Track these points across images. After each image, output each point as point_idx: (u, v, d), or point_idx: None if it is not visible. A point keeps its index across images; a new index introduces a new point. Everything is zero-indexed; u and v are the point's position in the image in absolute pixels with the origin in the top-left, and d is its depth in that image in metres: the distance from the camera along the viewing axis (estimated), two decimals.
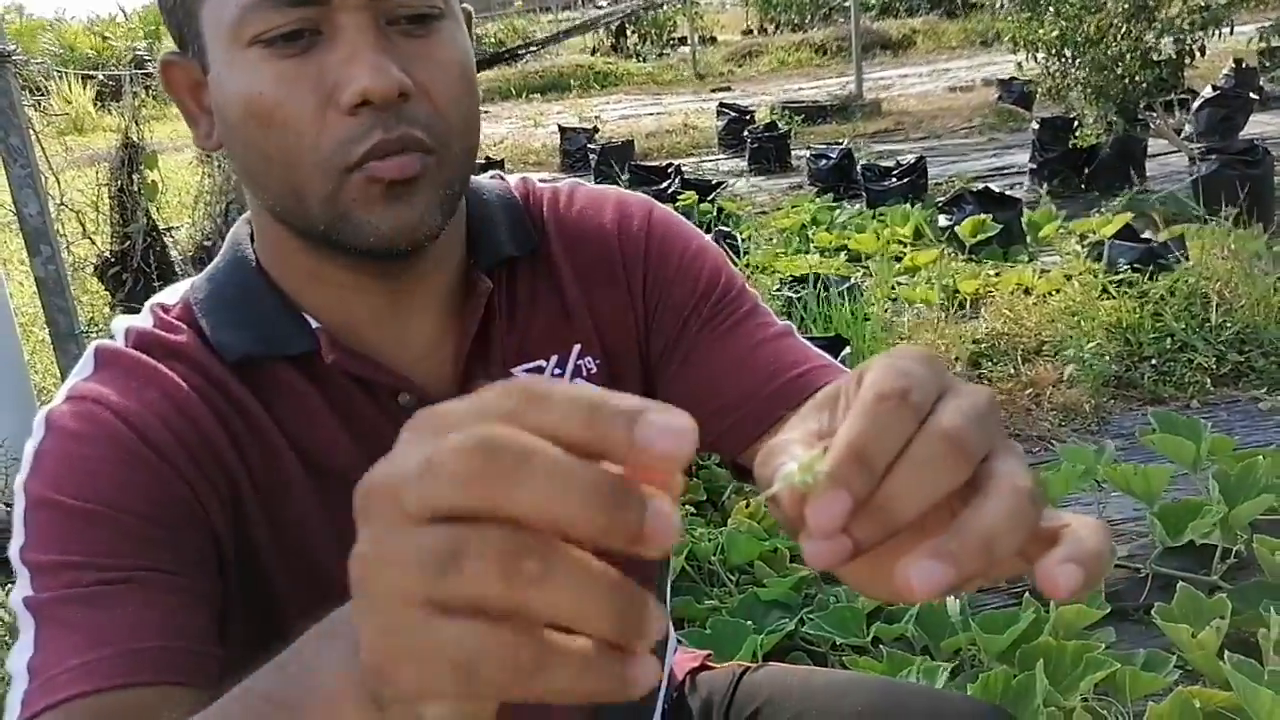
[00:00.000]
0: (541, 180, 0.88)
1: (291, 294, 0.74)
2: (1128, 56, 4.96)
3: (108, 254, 3.85)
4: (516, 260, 0.81)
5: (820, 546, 0.36)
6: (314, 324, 0.73)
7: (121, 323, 0.74)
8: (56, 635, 0.60)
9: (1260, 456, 2.22)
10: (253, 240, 0.77)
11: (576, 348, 0.82)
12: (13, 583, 0.64)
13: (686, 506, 2.59)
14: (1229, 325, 3.34)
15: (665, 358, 0.83)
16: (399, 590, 0.32)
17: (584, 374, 0.82)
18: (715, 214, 5.46)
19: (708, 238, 0.88)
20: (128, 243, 3.84)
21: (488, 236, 0.80)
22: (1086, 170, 5.51)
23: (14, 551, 0.64)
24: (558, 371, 0.81)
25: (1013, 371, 3.39)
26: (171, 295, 0.77)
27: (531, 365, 0.80)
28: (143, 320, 0.74)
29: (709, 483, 2.68)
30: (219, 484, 0.69)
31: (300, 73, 0.64)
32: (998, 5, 5.93)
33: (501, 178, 0.87)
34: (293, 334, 0.73)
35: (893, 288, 4.12)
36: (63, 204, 3.10)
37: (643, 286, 0.83)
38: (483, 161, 7.34)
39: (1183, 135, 6.04)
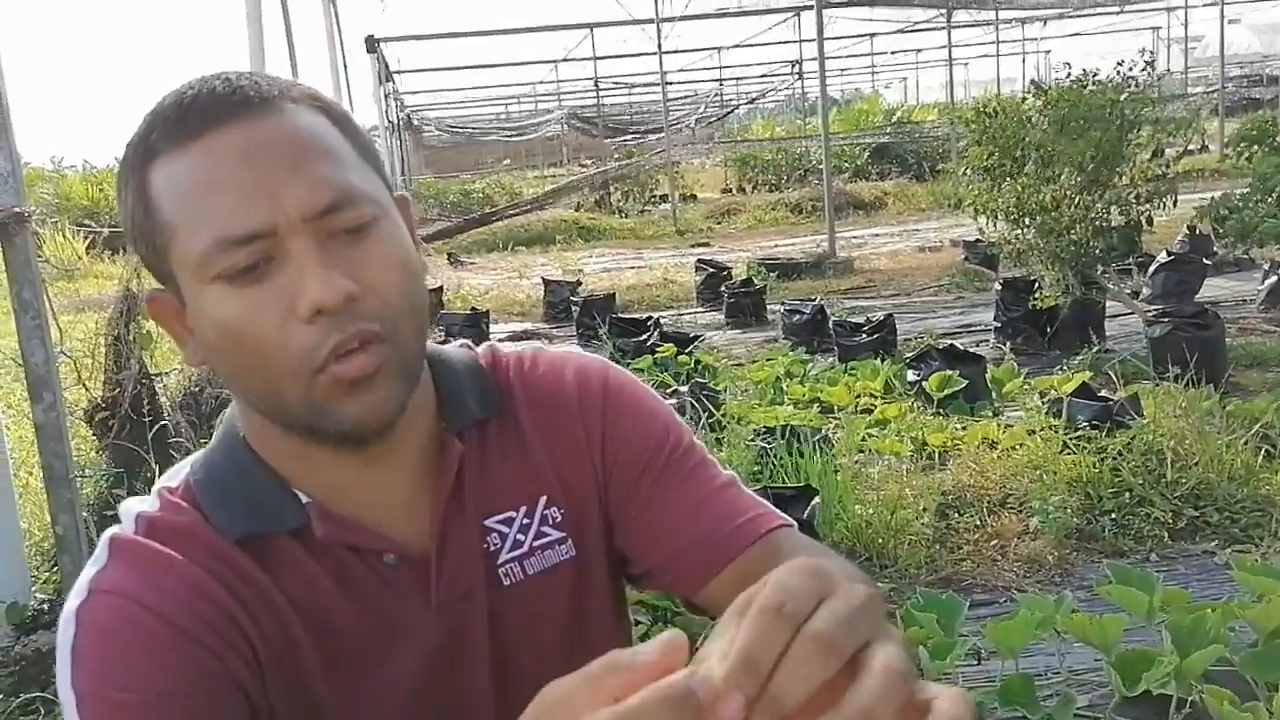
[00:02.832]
0: (507, 347, 0.99)
1: (280, 471, 0.84)
2: (1079, 225, 5.25)
3: (99, 399, 3.96)
4: (485, 420, 0.91)
5: None
6: (303, 499, 0.83)
7: (131, 507, 0.83)
8: None
9: (1210, 609, 2.30)
10: None
11: (543, 499, 0.91)
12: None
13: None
14: (1184, 481, 3.47)
15: (623, 507, 0.93)
16: None
17: (550, 522, 0.91)
18: (693, 366, 5.63)
19: (659, 396, 0.99)
20: (118, 389, 3.94)
21: (457, 401, 0.90)
22: (1048, 329, 5.75)
23: None
24: (525, 521, 0.90)
25: (979, 523, 3.48)
26: (174, 478, 0.86)
27: (502, 517, 0.90)
28: (150, 505, 0.83)
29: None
30: (242, 650, 0.78)
31: (262, 296, 0.75)
32: (960, 174, 6.29)
33: (470, 347, 0.98)
34: (285, 510, 0.83)
35: (863, 439, 4.24)
36: (61, 351, 3.22)
37: (601, 442, 0.93)
38: (469, 312, 7.52)
39: (1140, 297, 6.32)
